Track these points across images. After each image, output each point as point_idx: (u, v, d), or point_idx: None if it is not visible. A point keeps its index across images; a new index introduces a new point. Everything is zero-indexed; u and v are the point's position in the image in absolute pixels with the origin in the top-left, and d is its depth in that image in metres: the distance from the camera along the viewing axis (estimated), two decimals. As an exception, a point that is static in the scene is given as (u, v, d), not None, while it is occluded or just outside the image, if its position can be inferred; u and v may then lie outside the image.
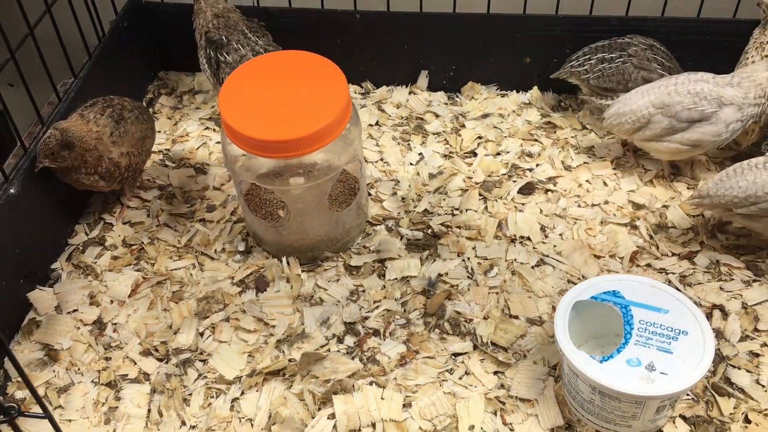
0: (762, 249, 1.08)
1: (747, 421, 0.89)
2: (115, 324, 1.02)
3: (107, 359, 0.98)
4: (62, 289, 1.06)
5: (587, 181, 1.20)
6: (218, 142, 1.30)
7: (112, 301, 1.05)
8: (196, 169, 1.25)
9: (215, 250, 1.12)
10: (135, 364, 0.98)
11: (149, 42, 1.40)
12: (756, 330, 0.98)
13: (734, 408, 0.90)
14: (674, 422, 0.89)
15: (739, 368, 0.94)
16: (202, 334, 1.01)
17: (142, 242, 1.13)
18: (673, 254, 1.08)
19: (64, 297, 1.05)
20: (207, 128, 1.33)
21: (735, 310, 1.01)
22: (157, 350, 0.99)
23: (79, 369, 0.97)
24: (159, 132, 1.32)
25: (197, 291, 1.06)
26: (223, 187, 1.21)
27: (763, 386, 0.92)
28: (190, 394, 0.94)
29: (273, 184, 1.02)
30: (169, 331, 1.01)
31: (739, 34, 1.21)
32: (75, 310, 1.04)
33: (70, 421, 0.92)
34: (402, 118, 1.34)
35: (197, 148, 1.29)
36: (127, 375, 0.97)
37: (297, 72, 1.00)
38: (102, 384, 0.95)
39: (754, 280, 1.04)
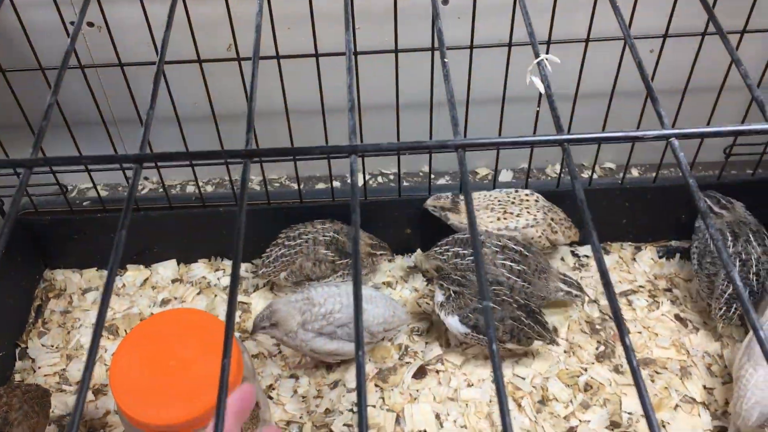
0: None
1: None
2: None
3: None
4: None
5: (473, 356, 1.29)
6: (106, 350, 1.30)
7: None
8: (94, 391, 1.25)
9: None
10: None
11: (33, 241, 1.39)
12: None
13: None
14: None
15: None
16: None
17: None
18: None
19: None
20: (102, 336, 1.33)
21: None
22: None
23: None
24: (52, 347, 1.31)
25: None
26: (124, 409, 1.23)
27: None
28: None
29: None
30: None
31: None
32: None
33: None
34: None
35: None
36: None
37: (185, 336, 1.03)
38: None
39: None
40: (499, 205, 1.30)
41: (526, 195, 1.32)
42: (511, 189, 1.34)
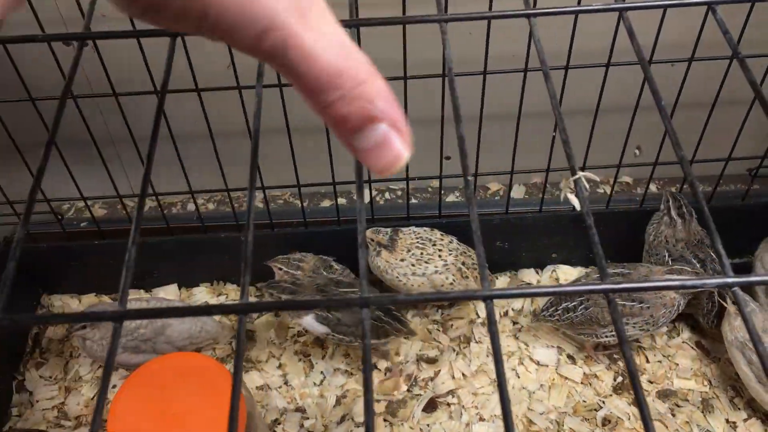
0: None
1: None
2: None
3: None
4: None
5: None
6: (114, 386, 1.26)
7: None
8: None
9: None
10: None
11: (29, 267, 1.34)
12: None
13: None
14: None
15: None
16: None
17: None
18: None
19: None
20: (100, 367, 1.29)
21: None
22: None
23: None
24: (50, 378, 1.27)
25: None
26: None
27: None
28: None
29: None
30: None
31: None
32: None
33: None
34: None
35: (92, 398, 1.25)
36: None
37: (187, 383, 0.98)
38: None
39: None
40: (419, 246, 1.23)
41: (441, 236, 1.26)
42: (427, 228, 1.27)
